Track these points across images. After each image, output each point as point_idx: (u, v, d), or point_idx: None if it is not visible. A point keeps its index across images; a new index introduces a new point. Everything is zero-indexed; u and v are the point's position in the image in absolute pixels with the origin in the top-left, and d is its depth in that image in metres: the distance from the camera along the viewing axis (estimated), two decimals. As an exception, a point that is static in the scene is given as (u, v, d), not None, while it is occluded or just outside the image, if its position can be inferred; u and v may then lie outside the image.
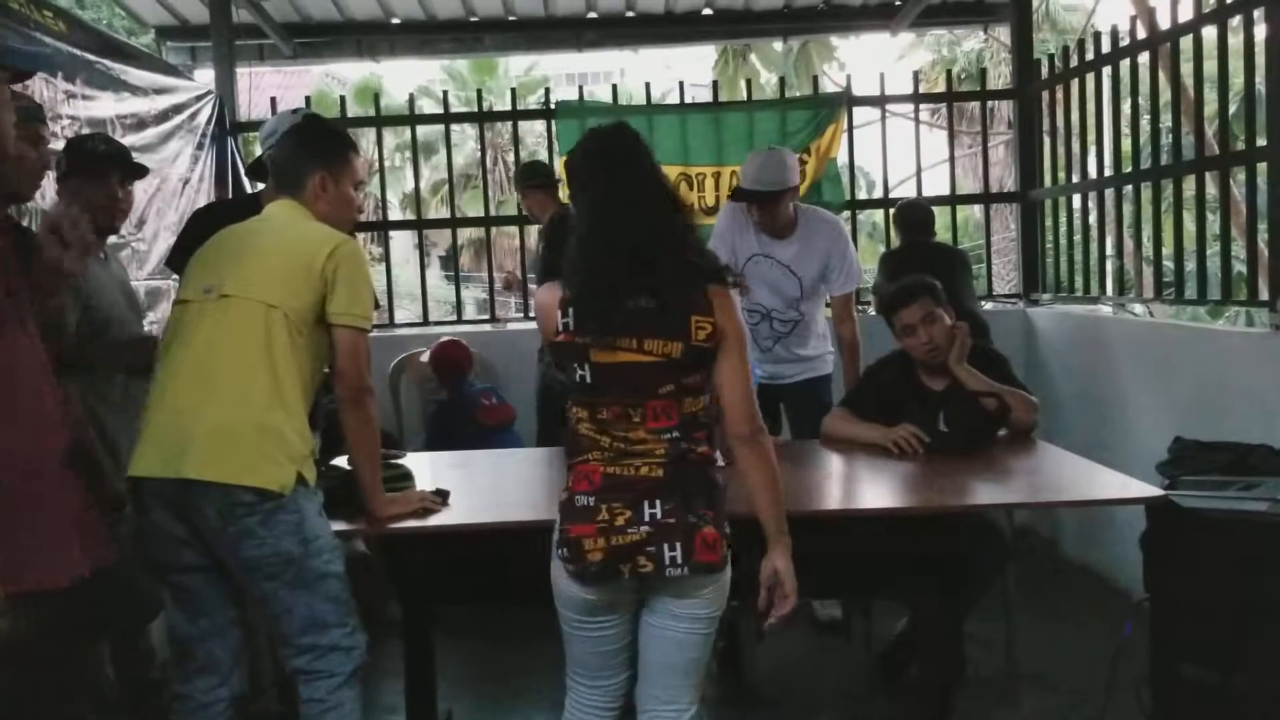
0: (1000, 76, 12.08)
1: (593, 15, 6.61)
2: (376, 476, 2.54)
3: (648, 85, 5.97)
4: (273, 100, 5.60)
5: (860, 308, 6.02)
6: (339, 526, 2.80)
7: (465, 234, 10.49)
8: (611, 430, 2.14)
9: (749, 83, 6.69)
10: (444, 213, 6.79)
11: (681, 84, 5.99)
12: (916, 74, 6.12)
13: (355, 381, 2.38)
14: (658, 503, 2.09)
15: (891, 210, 5.60)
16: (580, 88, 6.33)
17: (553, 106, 5.80)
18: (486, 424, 4.81)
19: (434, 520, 2.71)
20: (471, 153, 17.94)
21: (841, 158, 5.94)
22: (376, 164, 6.03)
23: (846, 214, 6.06)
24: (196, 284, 2.43)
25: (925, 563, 2.88)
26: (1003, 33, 6.71)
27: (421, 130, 6.12)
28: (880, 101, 5.84)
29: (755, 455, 2.18)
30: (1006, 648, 3.64)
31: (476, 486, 3.19)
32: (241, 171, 5.17)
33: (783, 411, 4.26)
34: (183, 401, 2.28)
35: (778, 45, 17.91)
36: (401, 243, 8.63)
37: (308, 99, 6.03)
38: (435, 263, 18.24)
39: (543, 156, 5.86)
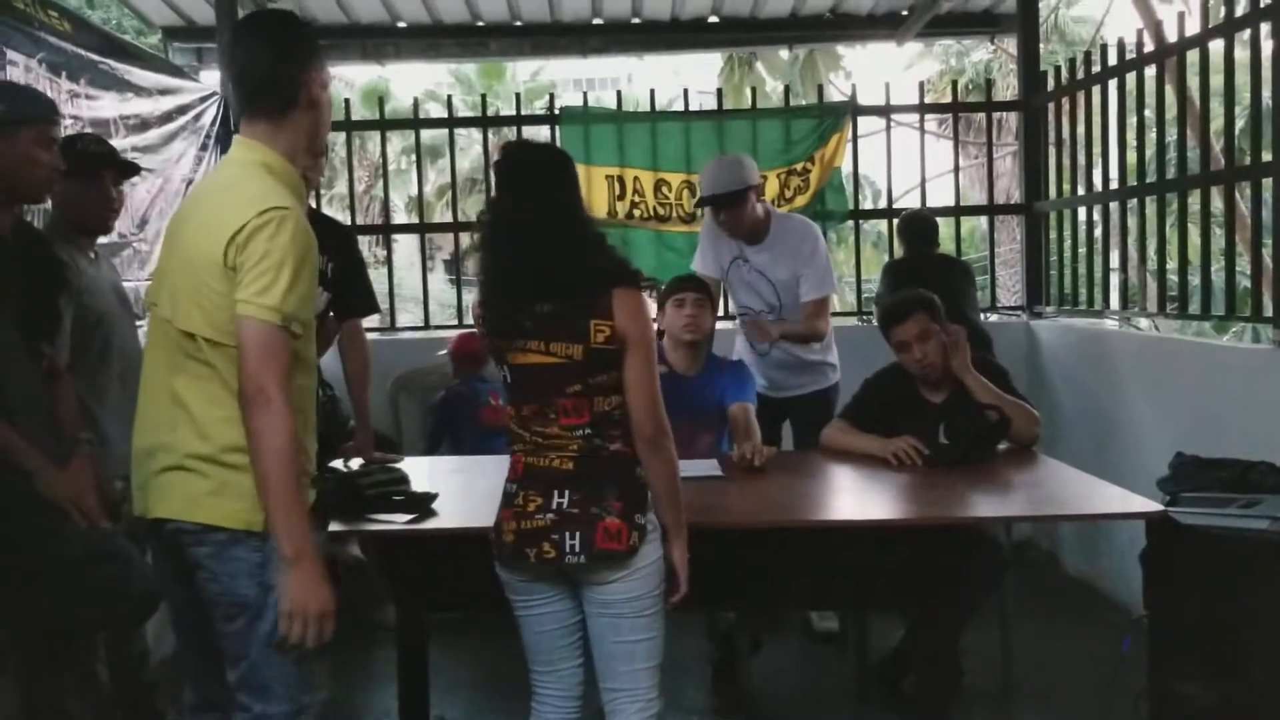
0: (1008, 87, 12.12)
1: (598, 21, 6.60)
2: (283, 506, 1.91)
3: (652, 92, 5.96)
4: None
5: (864, 319, 6.03)
6: (333, 528, 2.81)
7: (469, 238, 10.48)
8: (531, 426, 2.28)
9: (754, 91, 6.68)
10: (449, 216, 6.78)
11: (686, 91, 5.99)
12: (922, 84, 6.11)
13: (251, 381, 1.91)
14: (566, 493, 2.23)
15: (895, 220, 5.58)
16: (585, 94, 6.35)
17: (557, 112, 5.80)
18: (488, 425, 4.79)
19: (430, 524, 2.71)
20: (477, 156, 17.94)
21: (846, 167, 5.93)
22: (381, 167, 6.02)
23: (850, 224, 6.06)
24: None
25: (922, 575, 2.87)
26: (1010, 43, 6.69)
27: (427, 134, 6.12)
28: (885, 111, 5.83)
29: (656, 458, 2.27)
30: (1003, 661, 3.62)
31: (474, 491, 3.17)
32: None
33: (788, 424, 4.25)
34: (138, 435, 2.14)
35: (784, 53, 17.94)
36: (405, 246, 8.65)
37: None
38: (439, 266, 18.26)
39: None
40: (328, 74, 2.19)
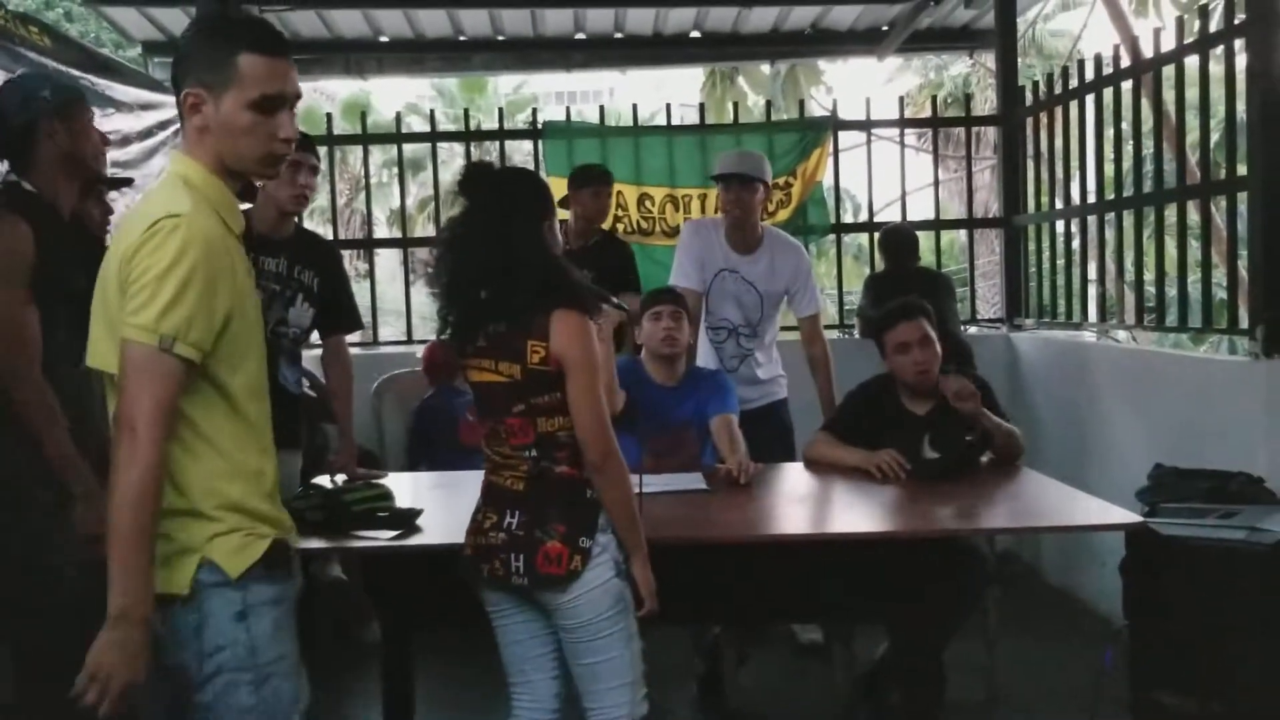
0: (987, 101, 12.19)
1: (581, 36, 6.64)
2: (120, 554, 1.62)
3: (635, 106, 5.99)
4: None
5: (845, 332, 6.06)
6: (316, 545, 2.80)
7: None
8: (491, 444, 2.34)
9: (736, 105, 6.72)
10: (431, 230, 6.78)
11: (669, 106, 6.02)
12: (902, 99, 6.16)
13: (120, 410, 1.65)
14: (516, 513, 2.28)
15: (876, 234, 5.62)
16: (568, 108, 6.36)
17: (540, 126, 5.81)
18: (465, 442, 4.74)
19: (414, 541, 2.71)
20: (459, 170, 17.86)
21: (827, 181, 5.97)
22: (364, 180, 6.02)
23: (831, 237, 6.09)
24: None
25: (906, 588, 2.88)
26: (989, 58, 6.75)
27: (409, 148, 6.11)
28: (866, 126, 5.87)
29: (605, 481, 2.26)
30: (987, 673, 3.64)
31: (458, 507, 3.16)
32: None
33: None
34: None
35: (765, 68, 18.05)
36: (387, 259, 8.64)
37: None
38: (421, 279, 18.24)
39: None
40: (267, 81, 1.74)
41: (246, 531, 1.77)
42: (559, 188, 4.80)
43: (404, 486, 3.21)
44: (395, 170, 7.03)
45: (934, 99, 7.04)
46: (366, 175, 6.09)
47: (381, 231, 15.31)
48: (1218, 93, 3.92)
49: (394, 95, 23.74)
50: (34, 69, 3.61)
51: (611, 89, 26.53)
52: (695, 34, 6.66)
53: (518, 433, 2.27)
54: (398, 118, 6.03)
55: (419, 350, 5.58)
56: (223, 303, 1.72)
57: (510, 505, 2.28)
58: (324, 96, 21.55)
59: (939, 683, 3.31)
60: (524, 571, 2.24)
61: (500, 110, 6.38)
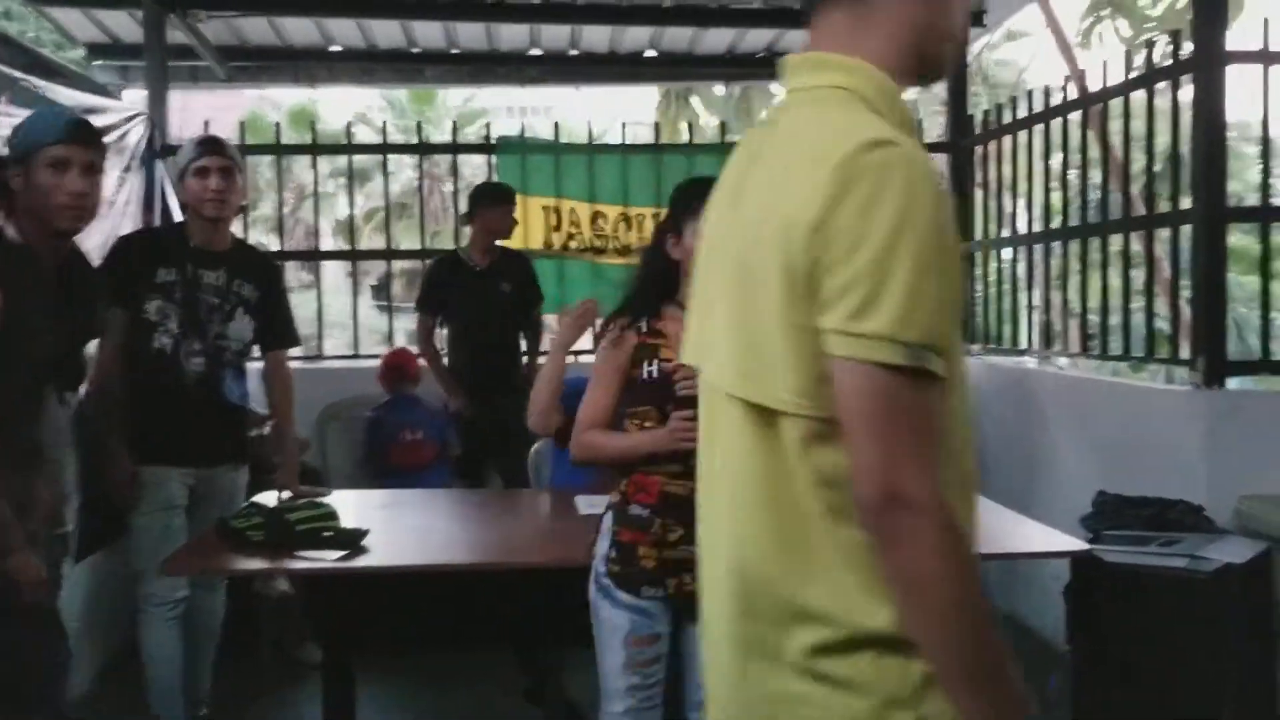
0: (934, 128, 12.37)
1: (537, 51, 6.61)
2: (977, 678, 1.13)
3: (589, 124, 5.98)
4: (205, 124, 5.48)
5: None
6: (247, 565, 2.74)
7: (399, 263, 10.38)
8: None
9: (691, 126, 6.75)
10: (378, 241, 6.70)
11: (624, 124, 6.02)
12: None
13: (871, 478, 1.08)
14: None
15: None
16: (522, 124, 6.33)
17: (494, 141, 5.77)
18: (395, 463, 4.66)
19: (360, 562, 2.65)
20: (408, 180, 17.82)
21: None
22: (312, 189, 5.93)
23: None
24: None
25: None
26: (937, 87, 6.85)
27: (356, 158, 6.04)
28: (818, 149, 5.90)
29: None
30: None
31: (403, 527, 3.12)
32: (169, 196, 5.05)
33: None
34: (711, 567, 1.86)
35: (720, 89, 18.17)
36: (332, 271, 8.53)
37: (242, 124, 5.87)
38: (367, 291, 18.07)
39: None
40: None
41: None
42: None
43: (348, 505, 3.14)
44: (343, 179, 6.91)
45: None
46: (315, 186, 6.00)
47: (326, 241, 15.10)
48: (1162, 126, 3.99)
49: (341, 105, 23.56)
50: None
51: (565, 104, 26.53)
52: (651, 53, 6.67)
53: None
54: (349, 129, 5.96)
55: (365, 363, 5.51)
56: (956, 275, 1.13)
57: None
58: (269, 105, 21.32)
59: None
60: None
61: (454, 124, 6.33)
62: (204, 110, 5.95)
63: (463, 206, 5.08)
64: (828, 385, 1.09)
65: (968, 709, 1.09)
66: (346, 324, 5.92)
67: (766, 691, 1.18)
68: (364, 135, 15.55)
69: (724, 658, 1.25)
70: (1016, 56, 22.06)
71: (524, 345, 4.93)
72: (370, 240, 18.34)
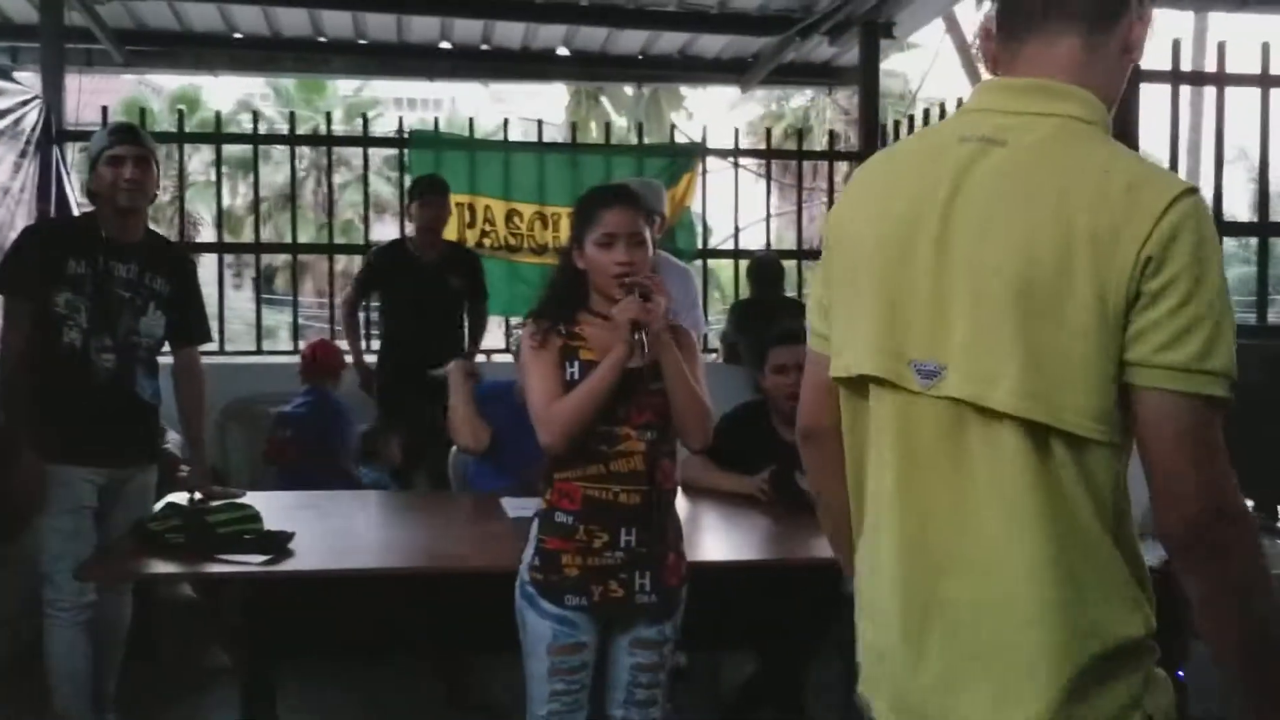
0: (824, 134, 12.70)
1: (447, 45, 6.53)
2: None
3: (505, 121, 5.93)
4: (104, 110, 5.27)
5: (708, 353, 6.13)
6: (166, 569, 2.64)
7: (282, 256, 10.02)
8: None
9: (608, 126, 6.78)
10: (266, 232, 6.51)
11: (540, 123, 5.99)
12: (769, 130, 6.33)
13: (1198, 512, 1.16)
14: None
15: (747, 261, 5.73)
16: (436, 119, 6.25)
17: (407, 135, 5.67)
18: (268, 456, 4.48)
19: (287, 566, 2.58)
20: (287, 172, 17.24)
21: (695, 207, 6.05)
22: (214, 180, 5.73)
23: (699, 262, 6.17)
24: None
25: (773, 612, 2.92)
26: (839, 94, 7.02)
27: (238, 147, 5.85)
28: (734, 154, 5.98)
29: None
30: (848, 694, 3.70)
31: (324, 529, 3.03)
32: (66, 183, 4.84)
33: None
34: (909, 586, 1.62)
35: (629, 90, 18.21)
36: (212, 264, 8.27)
37: (104, 109, 5.45)
38: (246, 284, 17.51)
39: (384, 183, 5.65)
40: None
41: None
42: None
43: (265, 507, 3.04)
44: (225, 168, 6.58)
45: (769, 130, 7.39)
46: (181, 177, 5.75)
47: (207, 233, 14.56)
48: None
49: (225, 91, 22.78)
50: None
51: (453, 98, 26.07)
52: (564, 51, 6.65)
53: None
54: (255, 119, 5.81)
55: (269, 359, 5.37)
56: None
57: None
58: (149, 90, 20.48)
59: (799, 705, 3.37)
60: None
61: (364, 116, 6.20)
62: (82, 92, 5.62)
63: (353, 198, 5.00)
64: (1115, 410, 1.16)
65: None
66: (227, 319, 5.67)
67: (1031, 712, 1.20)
68: (247, 123, 15.11)
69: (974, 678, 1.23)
70: (905, 68, 22.66)
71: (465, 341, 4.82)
72: (250, 234, 17.59)
